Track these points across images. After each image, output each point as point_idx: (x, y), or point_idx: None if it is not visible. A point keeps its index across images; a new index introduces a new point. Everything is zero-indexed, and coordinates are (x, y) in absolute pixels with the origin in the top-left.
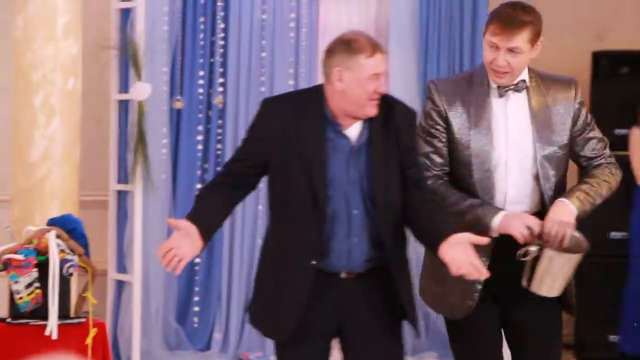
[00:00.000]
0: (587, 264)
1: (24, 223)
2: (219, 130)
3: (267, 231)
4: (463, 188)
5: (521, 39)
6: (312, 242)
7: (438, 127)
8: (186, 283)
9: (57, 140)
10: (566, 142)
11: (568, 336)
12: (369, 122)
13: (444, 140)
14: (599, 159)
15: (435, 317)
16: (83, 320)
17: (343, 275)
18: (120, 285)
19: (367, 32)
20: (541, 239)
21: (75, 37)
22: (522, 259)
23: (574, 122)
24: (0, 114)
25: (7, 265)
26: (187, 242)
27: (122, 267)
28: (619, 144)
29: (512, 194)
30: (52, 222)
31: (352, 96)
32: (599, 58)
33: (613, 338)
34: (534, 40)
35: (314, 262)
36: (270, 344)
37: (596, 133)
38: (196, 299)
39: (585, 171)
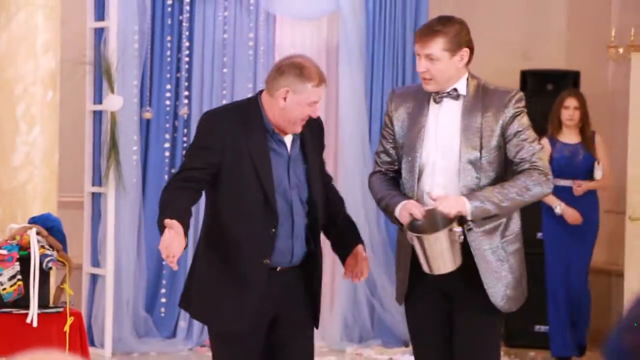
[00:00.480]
0: None
1: (8, 222)
2: (185, 139)
3: (212, 230)
4: (403, 184)
5: (435, 47)
6: (264, 241)
7: (387, 129)
8: (154, 276)
9: (37, 146)
10: (493, 148)
11: None
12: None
13: (391, 141)
14: (525, 163)
15: (381, 310)
16: (61, 309)
17: (279, 269)
18: (94, 278)
19: (319, 51)
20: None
21: (54, 53)
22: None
23: (503, 130)
24: None
25: None
26: (177, 240)
27: (96, 262)
28: None
29: (438, 194)
30: (33, 220)
31: (289, 115)
32: (526, 76)
33: (538, 328)
34: (452, 49)
35: (267, 261)
36: None
37: (528, 141)
38: (163, 290)
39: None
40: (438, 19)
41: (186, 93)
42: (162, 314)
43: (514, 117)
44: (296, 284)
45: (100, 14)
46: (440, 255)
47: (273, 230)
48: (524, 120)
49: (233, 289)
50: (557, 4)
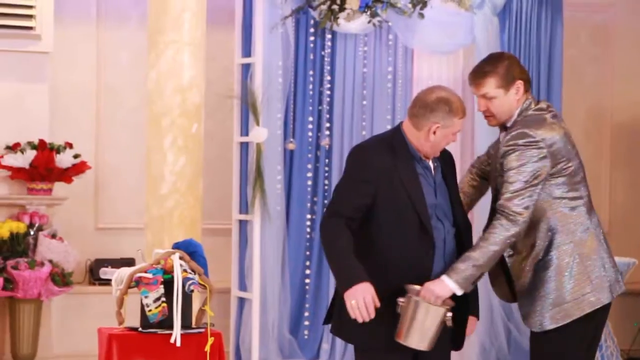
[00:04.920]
0: None
1: (156, 247)
2: (326, 168)
3: (363, 255)
4: None
5: (488, 86)
6: (422, 265)
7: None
8: (298, 299)
9: (183, 176)
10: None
11: None
12: (437, 160)
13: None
14: (500, 198)
15: (517, 334)
16: (202, 330)
17: None
18: (242, 302)
19: (455, 83)
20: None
21: (199, 87)
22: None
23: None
24: (136, 154)
25: (138, 282)
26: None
27: (243, 286)
28: None
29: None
30: (177, 246)
31: (436, 145)
32: None
33: None
34: (505, 85)
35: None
36: None
37: (508, 181)
38: (307, 313)
39: (487, 224)
40: (487, 60)
41: (327, 125)
42: (306, 336)
43: (504, 154)
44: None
45: (247, 51)
46: (425, 329)
47: (431, 252)
48: (512, 158)
49: (386, 309)
50: None
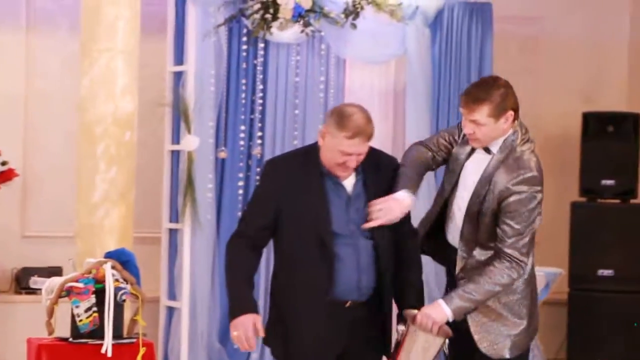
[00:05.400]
0: None
1: (86, 256)
2: (257, 178)
3: (277, 269)
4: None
5: (480, 114)
6: (323, 279)
7: (452, 136)
8: (227, 309)
9: (115, 184)
10: (489, 212)
11: None
12: (362, 172)
13: (446, 148)
14: (501, 244)
15: None
16: (134, 340)
17: (348, 304)
18: (171, 311)
19: (387, 93)
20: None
21: (132, 95)
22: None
23: (498, 203)
24: (66, 162)
25: (69, 292)
26: (251, 338)
27: (172, 295)
28: (605, 194)
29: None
30: (109, 255)
31: (325, 156)
32: (588, 118)
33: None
34: (497, 115)
35: (328, 297)
36: None
37: (512, 224)
38: None
39: (487, 261)
40: (483, 85)
41: (259, 134)
42: (235, 346)
43: (510, 196)
44: (366, 318)
45: (179, 59)
46: (425, 356)
47: (332, 269)
48: (521, 203)
49: (297, 324)
50: (619, 48)
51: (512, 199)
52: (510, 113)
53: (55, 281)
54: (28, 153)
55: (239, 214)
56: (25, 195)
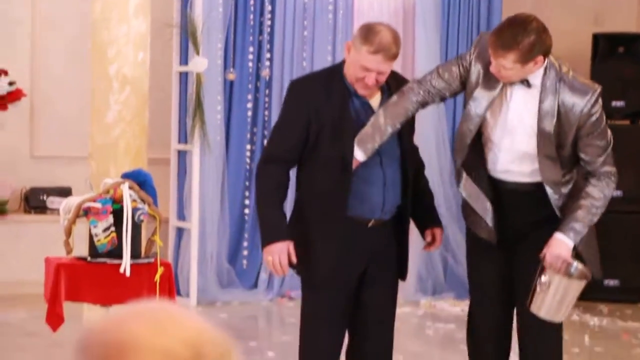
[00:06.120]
0: None
1: (101, 176)
2: (266, 99)
3: (303, 190)
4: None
5: (507, 61)
6: (342, 196)
7: (460, 68)
8: (237, 229)
9: (128, 104)
10: (569, 145)
11: None
12: (388, 92)
13: (451, 82)
14: (590, 165)
15: (454, 263)
16: (152, 260)
17: (370, 224)
18: (180, 231)
19: (397, 13)
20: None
21: (145, 16)
22: (538, 289)
23: (578, 128)
24: (72, 84)
25: (87, 212)
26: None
27: (181, 216)
28: (615, 115)
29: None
30: (126, 176)
31: (348, 70)
32: (598, 39)
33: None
34: (524, 61)
35: (348, 214)
36: None
37: (598, 143)
38: (245, 243)
39: (583, 186)
40: (513, 29)
41: (268, 55)
42: (244, 266)
43: (589, 116)
44: (387, 239)
45: None
46: (567, 303)
47: (356, 186)
48: (599, 120)
49: (320, 243)
50: None
51: (592, 119)
52: (540, 58)
53: (72, 201)
54: (35, 75)
55: (248, 135)
56: (33, 116)
